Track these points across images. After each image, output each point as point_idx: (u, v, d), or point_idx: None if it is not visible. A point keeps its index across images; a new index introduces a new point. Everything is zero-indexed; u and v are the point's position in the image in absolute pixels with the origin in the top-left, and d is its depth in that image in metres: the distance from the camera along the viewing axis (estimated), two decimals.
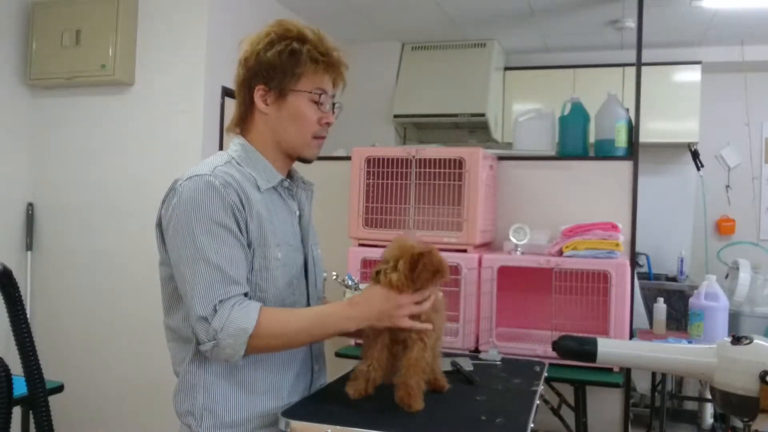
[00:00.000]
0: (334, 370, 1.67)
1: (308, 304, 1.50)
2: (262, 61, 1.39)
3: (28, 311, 1.74)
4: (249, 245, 1.35)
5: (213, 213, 1.30)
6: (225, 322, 1.25)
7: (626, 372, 2.65)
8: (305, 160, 1.49)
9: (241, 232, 1.33)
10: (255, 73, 1.40)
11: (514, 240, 2.71)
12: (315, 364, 1.52)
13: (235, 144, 1.46)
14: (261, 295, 1.37)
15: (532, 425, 1.33)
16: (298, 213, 1.51)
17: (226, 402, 1.37)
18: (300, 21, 1.45)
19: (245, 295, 1.32)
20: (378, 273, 1.36)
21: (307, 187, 1.55)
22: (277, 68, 1.38)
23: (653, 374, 3.39)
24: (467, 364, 1.73)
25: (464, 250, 2.66)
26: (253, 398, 1.39)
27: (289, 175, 1.52)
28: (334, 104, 1.48)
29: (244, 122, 1.46)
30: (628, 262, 2.57)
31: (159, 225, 1.39)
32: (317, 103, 1.43)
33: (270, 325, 1.29)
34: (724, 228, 4.79)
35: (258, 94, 1.41)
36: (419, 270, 1.32)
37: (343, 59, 1.45)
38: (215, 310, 1.26)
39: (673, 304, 3.96)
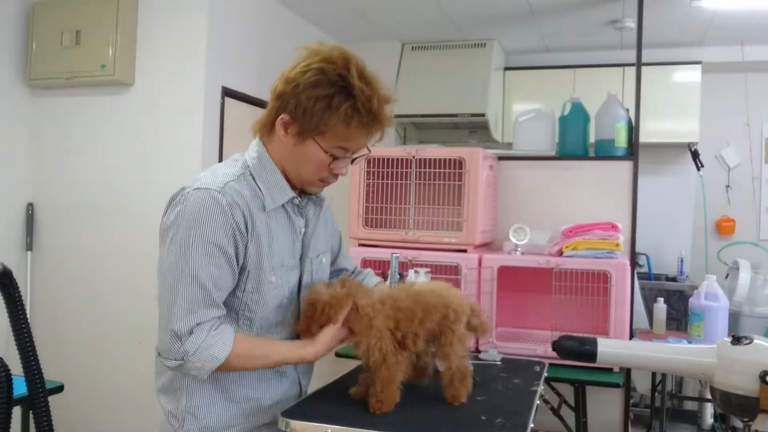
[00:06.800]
0: (334, 369, 1.68)
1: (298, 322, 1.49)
2: (298, 96, 1.32)
3: (28, 311, 1.73)
4: (244, 267, 1.34)
5: (212, 232, 1.29)
6: (200, 345, 1.26)
7: (626, 372, 2.65)
8: (306, 194, 1.48)
9: (237, 255, 1.32)
10: (287, 101, 1.34)
11: (514, 240, 2.71)
12: (302, 380, 1.52)
13: (253, 151, 1.43)
14: (249, 315, 1.37)
15: (532, 425, 1.33)
16: (303, 231, 1.48)
17: (208, 407, 1.38)
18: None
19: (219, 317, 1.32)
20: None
21: (317, 201, 1.51)
22: (307, 113, 1.32)
23: (653, 374, 3.39)
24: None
25: (464, 250, 2.66)
26: (234, 405, 1.39)
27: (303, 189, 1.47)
28: (354, 159, 1.42)
29: (267, 130, 1.42)
30: (628, 262, 2.57)
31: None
32: (334, 157, 1.38)
33: (239, 352, 1.30)
34: (724, 228, 4.79)
35: (281, 121, 1.36)
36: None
37: (389, 115, 1.37)
38: (191, 332, 1.26)
39: (673, 304, 3.96)
